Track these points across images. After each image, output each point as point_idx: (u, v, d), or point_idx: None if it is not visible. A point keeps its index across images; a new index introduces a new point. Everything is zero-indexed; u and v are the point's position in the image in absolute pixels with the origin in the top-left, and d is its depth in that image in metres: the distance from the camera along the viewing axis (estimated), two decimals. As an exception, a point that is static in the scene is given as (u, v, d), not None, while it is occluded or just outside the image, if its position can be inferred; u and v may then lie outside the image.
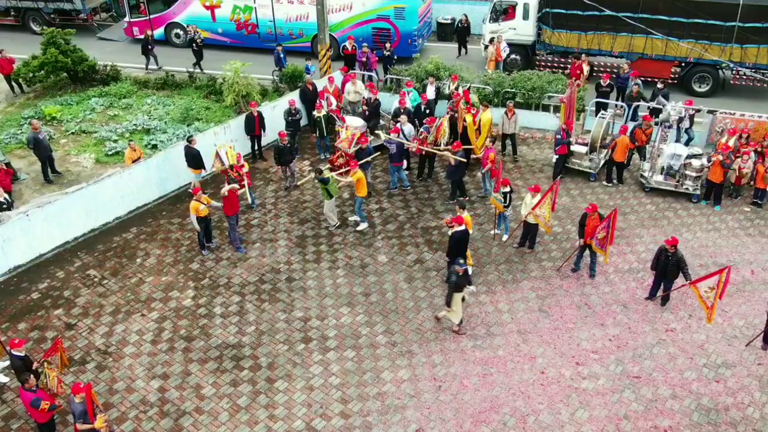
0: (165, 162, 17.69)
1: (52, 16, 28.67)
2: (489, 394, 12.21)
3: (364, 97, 20.18)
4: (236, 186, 15.47)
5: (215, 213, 16.27)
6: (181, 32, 27.26)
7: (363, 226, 16.55)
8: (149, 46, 25.31)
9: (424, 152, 18.13)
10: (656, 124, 18.24)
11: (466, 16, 26.42)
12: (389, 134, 17.80)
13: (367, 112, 19.47)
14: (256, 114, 18.73)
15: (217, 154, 16.56)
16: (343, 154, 17.10)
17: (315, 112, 19.01)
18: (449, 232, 14.13)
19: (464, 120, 18.07)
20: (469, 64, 23.93)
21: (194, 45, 24.94)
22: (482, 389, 12.32)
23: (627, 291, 14.62)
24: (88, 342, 13.48)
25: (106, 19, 30.88)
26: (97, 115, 22.12)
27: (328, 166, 17.03)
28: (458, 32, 26.52)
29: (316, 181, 16.25)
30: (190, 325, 13.87)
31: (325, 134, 19.13)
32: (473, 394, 12.23)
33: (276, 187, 18.40)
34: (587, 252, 14.87)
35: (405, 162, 18.18)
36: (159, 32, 27.30)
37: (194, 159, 17.26)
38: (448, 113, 18.87)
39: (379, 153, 18.60)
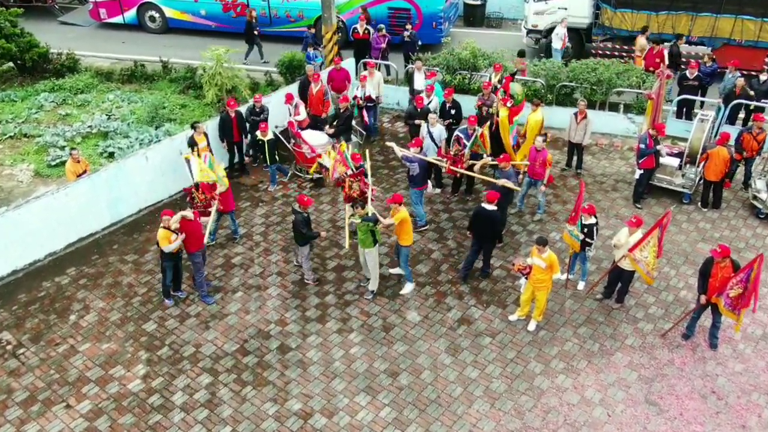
0: (118, 176, 13.22)
1: (5, -4, 24.22)
2: None
3: (339, 107, 15.01)
4: (189, 215, 10.96)
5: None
6: (157, 14, 22.75)
7: (409, 288, 11.71)
8: (254, 31, 19.96)
9: (459, 174, 13.66)
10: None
11: (410, 31, 18.67)
12: (409, 148, 12.82)
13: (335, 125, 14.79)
14: (233, 115, 14.18)
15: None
16: (350, 184, 11.99)
17: (258, 133, 13.96)
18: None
19: (496, 115, 13.66)
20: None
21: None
22: None
23: (768, 370, 10.19)
24: (-20, 453, 9.07)
25: (71, 1, 26.33)
26: (45, 114, 17.67)
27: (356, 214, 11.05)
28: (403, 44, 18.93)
29: (358, 223, 10.86)
30: (136, 425, 9.41)
31: (269, 163, 14.09)
32: None
33: (266, 211, 13.91)
34: (707, 311, 10.44)
35: (429, 184, 13.55)
36: (130, 15, 22.87)
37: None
38: (477, 107, 14.63)
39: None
